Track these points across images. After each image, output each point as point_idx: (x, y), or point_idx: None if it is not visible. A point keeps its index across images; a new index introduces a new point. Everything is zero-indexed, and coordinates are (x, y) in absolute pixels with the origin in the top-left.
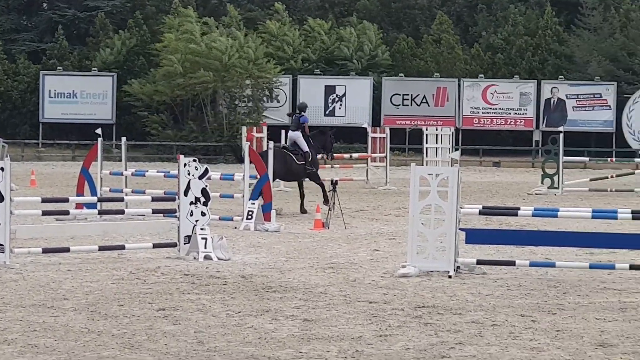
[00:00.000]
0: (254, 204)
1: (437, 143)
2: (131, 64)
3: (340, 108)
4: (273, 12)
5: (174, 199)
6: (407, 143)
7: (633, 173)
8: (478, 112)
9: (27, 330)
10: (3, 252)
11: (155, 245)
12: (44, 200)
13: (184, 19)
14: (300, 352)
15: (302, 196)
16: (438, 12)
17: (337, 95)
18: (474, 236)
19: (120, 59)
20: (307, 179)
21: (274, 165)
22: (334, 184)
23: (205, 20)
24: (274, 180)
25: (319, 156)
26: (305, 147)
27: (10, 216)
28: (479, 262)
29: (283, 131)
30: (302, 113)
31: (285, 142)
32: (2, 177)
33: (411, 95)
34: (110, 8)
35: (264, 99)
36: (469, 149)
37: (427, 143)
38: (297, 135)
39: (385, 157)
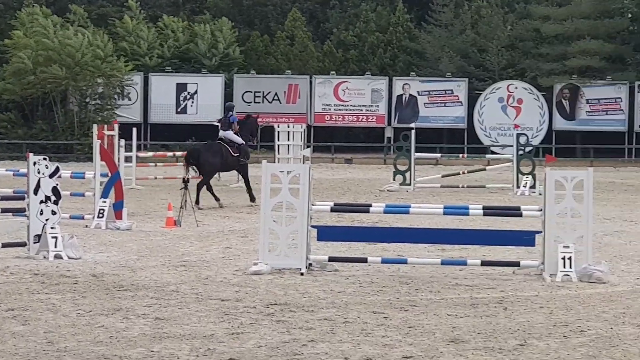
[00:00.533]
0: (105, 202)
1: (288, 140)
2: None
3: (192, 106)
4: (125, 8)
5: (23, 198)
6: (259, 140)
7: (484, 169)
8: (330, 109)
9: None
10: None
11: (4, 245)
12: None
13: (32, 15)
14: (152, 351)
15: (247, 184)
16: (291, 8)
17: (188, 93)
18: (326, 233)
19: None
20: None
21: (213, 159)
22: (185, 181)
23: (51, 18)
24: (214, 173)
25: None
26: (240, 140)
27: None
28: (331, 259)
29: (135, 129)
30: (231, 112)
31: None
32: None
33: (263, 92)
34: None
35: (115, 96)
36: (321, 146)
37: (278, 140)
38: (229, 134)
39: None
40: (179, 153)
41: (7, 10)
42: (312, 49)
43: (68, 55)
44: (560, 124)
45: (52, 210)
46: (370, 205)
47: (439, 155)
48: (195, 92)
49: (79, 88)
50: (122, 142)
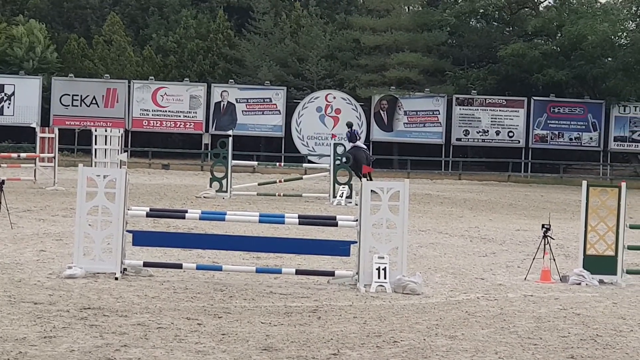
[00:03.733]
0: None
1: (106, 144)
2: None
3: (9, 107)
4: None
5: None
6: (77, 144)
7: (301, 178)
8: (148, 114)
9: None
10: None
11: None
12: None
13: None
14: None
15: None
16: (110, 12)
17: (5, 94)
18: (141, 238)
19: None
20: None
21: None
22: (0, 183)
23: None
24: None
25: None
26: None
27: None
28: (146, 264)
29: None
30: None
31: None
32: None
33: (81, 95)
34: None
35: None
36: (139, 151)
37: (96, 144)
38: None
39: (54, 157)
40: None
41: None
42: (130, 54)
43: None
44: (378, 134)
45: None
46: (186, 212)
47: (256, 163)
48: (13, 93)
49: None
50: None
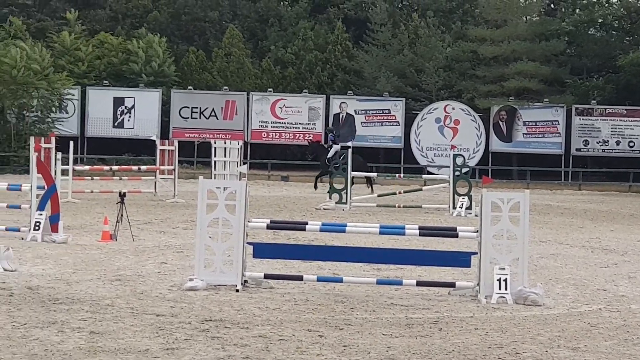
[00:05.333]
0: (41, 214)
1: (225, 156)
2: None
3: (129, 120)
4: (64, 22)
5: None
6: (196, 156)
7: (421, 189)
8: (267, 126)
9: None
10: None
11: None
12: None
13: None
14: None
15: None
16: (229, 25)
17: (125, 107)
18: (262, 250)
19: None
20: None
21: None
22: (121, 196)
23: None
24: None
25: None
26: None
27: None
28: (267, 276)
29: (72, 142)
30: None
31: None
32: None
33: (200, 108)
34: None
35: (53, 109)
36: (258, 163)
37: (215, 156)
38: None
39: (174, 169)
40: (115, 167)
41: None
42: (249, 66)
43: (4, 72)
44: (497, 145)
45: None
46: (306, 223)
47: (375, 174)
48: (133, 106)
49: (17, 101)
50: (59, 155)
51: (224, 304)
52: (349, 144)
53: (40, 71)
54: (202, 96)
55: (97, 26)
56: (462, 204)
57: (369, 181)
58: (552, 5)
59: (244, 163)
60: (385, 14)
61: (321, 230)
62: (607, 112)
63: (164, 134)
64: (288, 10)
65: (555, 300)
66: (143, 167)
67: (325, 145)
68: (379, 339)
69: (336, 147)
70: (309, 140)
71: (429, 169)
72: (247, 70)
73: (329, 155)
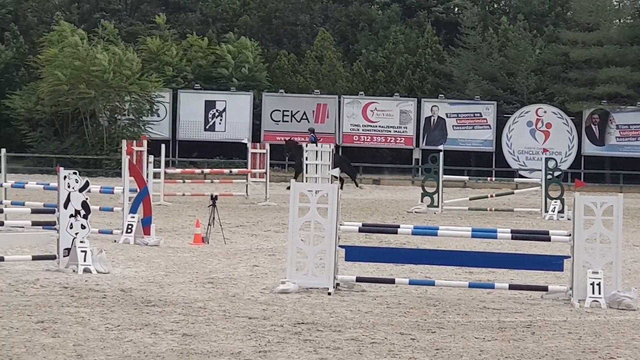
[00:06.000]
0: (133, 217)
1: (317, 160)
2: (10, 76)
3: (220, 123)
4: (154, 26)
5: (53, 212)
6: (287, 159)
7: (512, 193)
8: (358, 130)
9: None
10: None
11: (34, 258)
12: None
13: (61, 33)
14: None
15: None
16: (320, 29)
17: (217, 110)
18: (354, 253)
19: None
20: None
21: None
22: (213, 198)
23: (81, 34)
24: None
25: None
26: None
27: None
28: (359, 280)
29: (163, 145)
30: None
31: None
32: None
33: (291, 111)
34: None
35: (145, 112)
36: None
37: (307, 160)
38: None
39: (265, 172)
40: (207, 170)
41: (39, 24)
42: (340, 69)
43: (96, 77)
44: (589, 149)
45: (82, 225)
46: (398, 227)
47: (467, 177)
48: (224, 109)
49: (108, 104)
50: (151, 158)
51: (316, 307)
52: (440, 147)
53: (131, 75)
54: (293, 99)
55: (187, 30)
56: (554, 207)
57: (353, 179)
58: None
59: (336, 166)
60: (476, 17)
61: (413, 233)
62: None
63: (255, 137)
64: (379, 14)
65: None
66: (234, 170)
67: (303, 145)
68: (471, 342)
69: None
70: (286, 139)
71: (520, 172)
72: (337, 73)
73: None
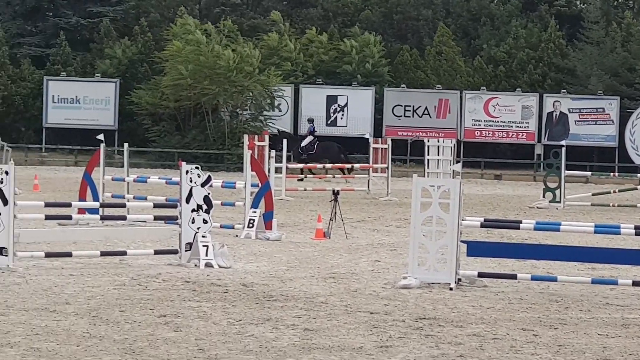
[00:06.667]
0: (255, 212)
1: (438, 155)
2: (135, 71)
3: (342, 118)
4: (273, 22)
5: (175, 206)
6: (409, 154)
7: (636, 188)
8: (480, 125)
9: (30, 333)
10: (6, 256)
11: (156, 252)
12: (47, 205)
13: (184, 27)
14: None
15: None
16: (439, 24)
17: (339, 105)
18: (476, 249)
19: (125, 66)
20: None
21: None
22: (335, 193)
23: (205, 28)
24: None
25: None
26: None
27: (13, 220)
28: (480, 275)
29: (285, 140)
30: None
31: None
32: (7, 181)
33: (413, 106)
34: (114, 15)
35: (266, 107)
36: (471, 162)
37: (428, 155)
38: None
39: (387, 167)
40: (328, 165)
41: (162, 21)
42: (460, 64)
43: (218, 73)
44: None
45: (204, 219)
46: (520, 222)
47: (589, 173)
48: (346, 104)
49: (230, 100)
50: (273, 152)
51: (437, 302)
52: (563, 142)
53: (252, 70)
54: (415, 94)
55: (309, 25)
56: None
57: (344, 172)
58: None
59: (457, 161)
60: (599, 11)
61: (535, 229)
62: None
63: (377, 132)
64: (500, 9)
65: None
66: (356, 165)
67: (296, 136)
68: (594, 339)
69: (310, 138)
70: (279, 130)
71: None
72: (457, 68)
73: (303, 144)
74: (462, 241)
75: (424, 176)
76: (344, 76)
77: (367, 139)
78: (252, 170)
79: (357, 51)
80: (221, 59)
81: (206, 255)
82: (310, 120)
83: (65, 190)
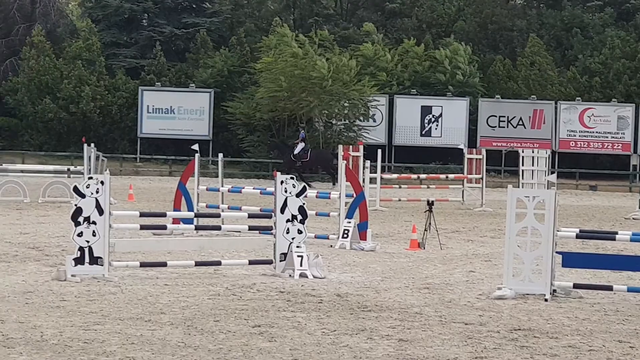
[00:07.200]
0: (350, 222)
1: (533, 165)
2: (232, 81)
3: (436, 128)
4: (367, 33)
5: (270, 216)
6: (503, 165)
7: None
8: (575, 135)
9: (125, 342)
10: (102, 265)
11: (251, 262)
12: (142, 215)
13: (280, 39)
14: None
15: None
16: (530, 35)
17: (433, 116)
18: (571, 260)
19: (223, 76)
20: None
21: None
22: (430, 204)
23: (301, 39)
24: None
25: None
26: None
27: (109, 229)
28: (576, 286)
29: (379, 150)
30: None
31: None
32: (102, 190)
33: (507, 117)
34: (208, 25)
35: (360, 118)
36: (565, 172)
37: (523, 165)
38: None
39: (481, 178)
40: (422, 175)
41: (257, 31)
42: (551, 74)
43: (315, 83)
44: None
45: (298, 229)
46: (616, 233)
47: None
48: (440, 115)
49: (326, 110)
50: (367, 163)
51: (532, 313)
52: None
53: (349, 81)
54: (509, 105)
55: (403, 35)
56: None
57: (334, 177)
58: None
59: (552, 172)
60: None
61: (631, 240)
62: None
63: (471, 142)
64: (593, 19)
65: None
66: (450, 176)
67: (289, 143)
68: None
69: (302, 145)
70: (270, 141)
71: None
72: (549, 78)
73: (296, 152)
74: (557, 252)
75: (518, 187)
76: (437, 87)
77: (462, 149)
78: (346, 181)
79: (449, 61)
80: (316, 69)
81: (301, 265)
82: (302, 128)
83: (160, 200)
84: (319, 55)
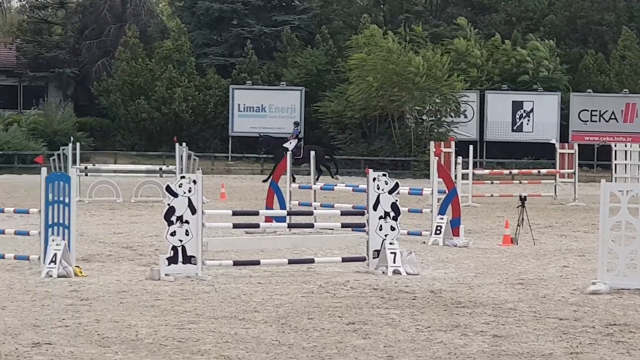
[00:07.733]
0: (442, 218)
1: (626, 159)
2: (320, 79)
3: (528, 124)
4: (458, 27)
5: (362, 214)
6: (596, 159)
7: None
8: None
9: (220, 341)
10: (195, 264)
11: (344, 259)
12: (234, 213)
13: (370, 37)
14: None
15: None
16: (623, 28)
17: (524, 111)
18: None
19: (311, 75)
20: None
21: None
22: (522, 199)
23: (391, 36)
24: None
25: None
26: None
27: (202, 228)
28: None
29: (471, 146)
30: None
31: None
32: (195, 190)
33: (600, 111)
34: (297, 23)
35: (451, 114)
36: None
37: (616, 159)
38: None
39: (574, 173)
40: (514, 171)
41: (345, 28)
42: None
43: (408, 79)
44: None
45: (391, 226)
46: None
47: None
48: (531, 110)
49: (417, 106)
50: (459, 159)
51: (627, 308)
52: None
53: (441, 77)
54: (601, 99)
55: (492, 30)
56: None
57: (330, 172)
58: None
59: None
60: None
61: None
62: None
63: (563, 137)
64: None
65: None
66: (543, 171)
67: (279, 138)
68: None
69: (295, 141)
70: (260, 134)
71: None
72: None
73: (290, 148)
74: None
75: (611, 181)
76: (523, 85)
77: (554, 144)
78: (439, 177)
79: (531, 58)
80: (411, 65)
81: (394, 262)
82: (296, 124)
83: (252, 199)
84: (415, 52)
